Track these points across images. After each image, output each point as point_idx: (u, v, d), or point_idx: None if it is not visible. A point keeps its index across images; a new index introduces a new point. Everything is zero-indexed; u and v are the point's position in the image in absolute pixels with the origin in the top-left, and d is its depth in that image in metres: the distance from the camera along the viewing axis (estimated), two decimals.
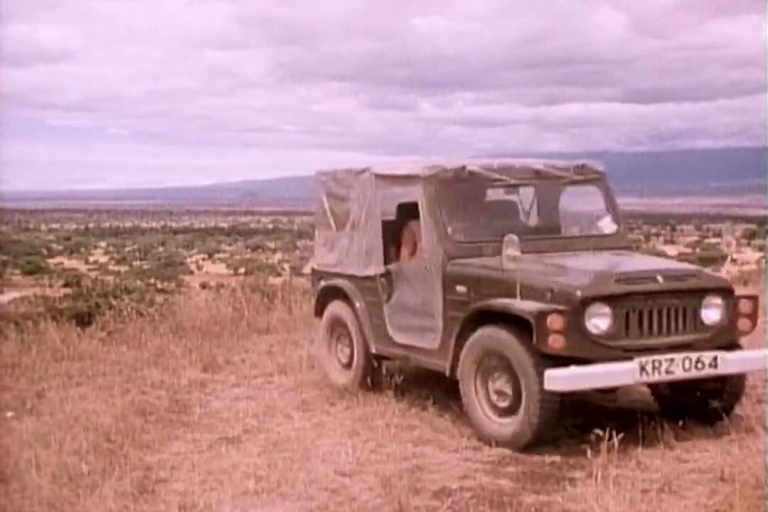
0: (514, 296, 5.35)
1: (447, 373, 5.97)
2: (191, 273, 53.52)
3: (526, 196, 6.83)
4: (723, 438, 5.46)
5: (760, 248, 51.36)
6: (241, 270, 50.30)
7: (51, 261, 60.10)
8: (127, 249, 75.43)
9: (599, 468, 4.76)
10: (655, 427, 5.53)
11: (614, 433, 4.95)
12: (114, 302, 10.15)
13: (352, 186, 7.03)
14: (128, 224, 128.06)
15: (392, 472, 5.08)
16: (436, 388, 6.66)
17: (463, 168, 6.24)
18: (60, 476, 5.00)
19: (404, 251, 6.82)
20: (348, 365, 7.15)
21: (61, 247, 75.74)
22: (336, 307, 7.20)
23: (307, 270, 8.07)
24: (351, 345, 7.06)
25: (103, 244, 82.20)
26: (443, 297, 5.98)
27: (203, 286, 24.76)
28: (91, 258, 66.81)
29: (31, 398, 7.03)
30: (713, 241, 68.92)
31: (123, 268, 53.54)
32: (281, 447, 5.71)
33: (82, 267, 54.53)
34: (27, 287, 26.55)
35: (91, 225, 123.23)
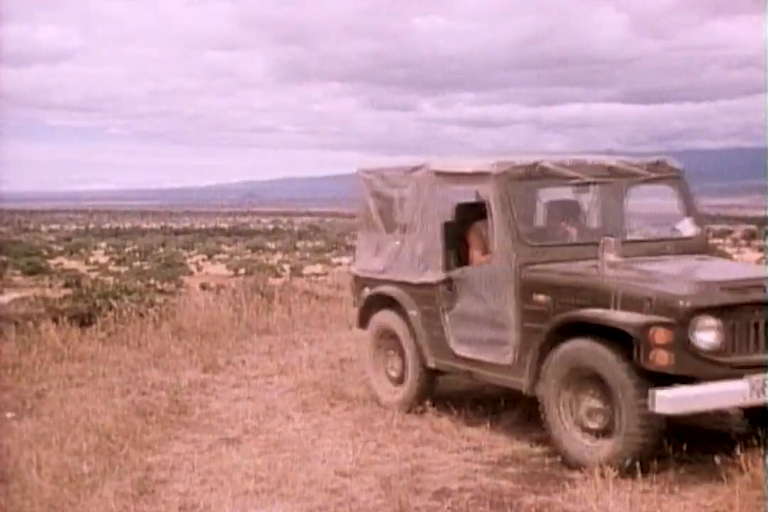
0: (605, 306, 4.90)
1: (524, 391, 5.43)
2: (191, 273, 53.46)
3: (591, 196, 6.33)
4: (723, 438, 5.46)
5: (760, 249, 51.40)
6: (241, 270, 50.27)
7: (51, 261, 60.05)
8: (127, 249, 75.38)
9: (599, 468, 4.76)
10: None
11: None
12: (114, 303, 10.15)
13: (404, 184, 6.49)
14: (128, 225, 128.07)
15: (392, 473, 5.09)
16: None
17: (536, 164, 5.74)
18: (60, 476, 5.00)
19: (470, 255, 6.21)
20: (399, 380, 6.61)
21: (61, 248, 75.70)
22: (384, 317, 6.66)
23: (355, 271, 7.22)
24: (403, 359, 6.52)
25: (103, 244, 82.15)
26: (518, 306, 5.44)
27: (203, 287, 24.74)
28: (91, 259, 66.76)
29: (32, 398, 7.03)
30: (714, 242, 68.96)
31: (123, 269, 53.50)
32: (281, 447, 5.72)
33: (82, 268, 54.49)
34: (27, 288, 26.54)
35: (91, 225, 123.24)
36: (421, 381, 6.40)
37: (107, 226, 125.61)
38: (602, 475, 4.67)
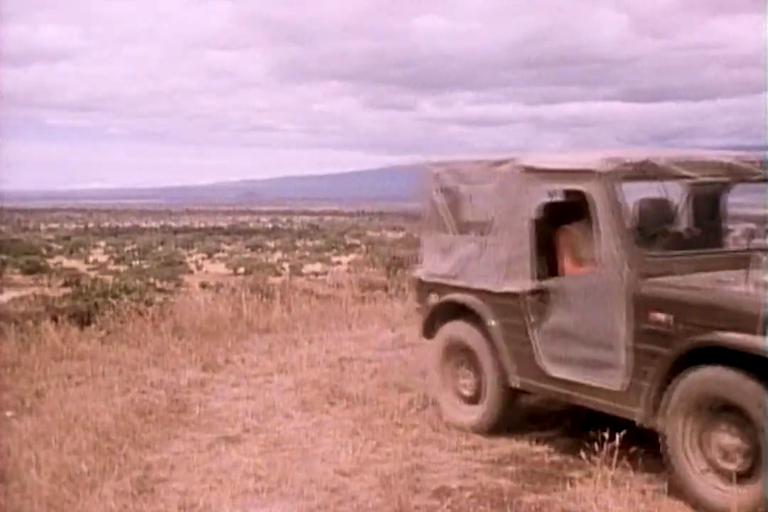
0: (748, 330, 4.22)
1: (639, 422, 4.77)
2: (191, 272, 53.49)
3: (685, 194, 5.70)
4: None
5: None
6: (241, 269, 50.31)
7: (50, 260, 60.04)
8: (126, 248, 75.40)
9: (598, 467, 4.77)
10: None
11: (614, 433, 4.95)
12: (113, 301, 10.15)
13: (484, 180, 5.85)
14: (128, 224, 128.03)
15: (392, 472, 5.09)
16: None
17: (648, 161, 5.05)
18: (60, 475, 5.00)
19: (560, 263, 5.57)
20: (472, 400, 5.98)
21: (60, 247, 75.72)
22: (456, 329, 6.05)
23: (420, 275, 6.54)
24: (478, 376, 5.91)
25: (102, 243, 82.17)
26: (631, 325, 4.76)
27: (203, 286, 24.74)
28: (91, 258, 66.77)
29: (31, 397, 7.02)
30: None
31: (122, 268, 53.52)
32: (281, 446, 5.71)
33: (82, 267, 54.48)
34: (26, 286, 26.54)
35: (90, 224, 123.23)
36: (501, 402, 5.77)
37: (106, 224, 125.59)
38: (602, 474, 4.68)
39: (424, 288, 6.47)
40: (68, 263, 59.72)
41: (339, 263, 46.77)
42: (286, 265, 54.56)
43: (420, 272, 6.52)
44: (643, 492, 4.62)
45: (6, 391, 7.27)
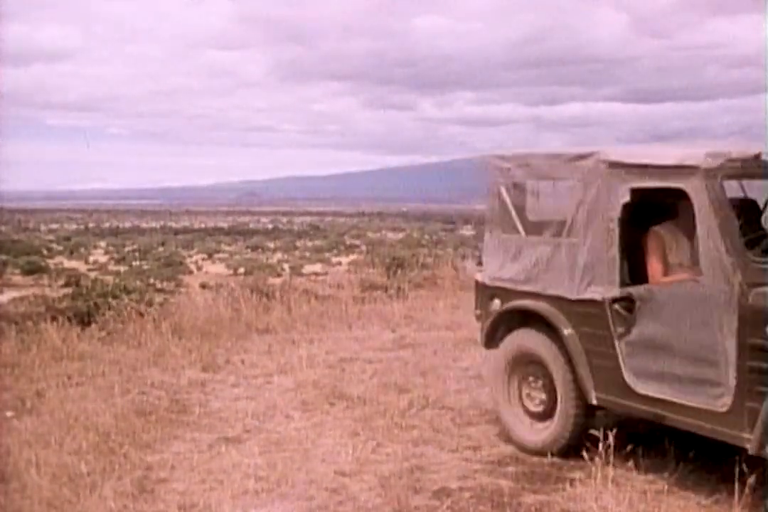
0: None
1: (750, 450, 4.25)
2: (191, 273, 53.48)
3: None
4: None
5: None
6: (241, 270, 50.29)
7: (51, 261, 60.03)
8: (126, 249, 75.38)
9: (599, 468, 4.77)
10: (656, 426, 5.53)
11: (614, 433, 4.95)
12: (113, 302, 10.14)
13: (562, 176, 5.41)
14: (128, 224, 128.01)
15: (392, 472, 5.09)
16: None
17: (758, 156, 4.51)
18: (60, 476, 5.00)
19: (649, 268, 5.05)
20: (542, 416, 5.49)
21: (60, 247, 75.70)
22: (525, 338, 5.56)
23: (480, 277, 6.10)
24: (550, 391, 5.39)
25: (102, 243, 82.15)
26: (741, 340, 4.26)
27: (203, 286, 24.73)
28: (91, 258, 66.76)
29: (31, 398, 7.02)
30: None
31: (123, 268, 53.49)
32: (281, 446, 5.72)
33: (82, 267, 54.47)
34: (27, 287, 26.55)
35: (90, 225, 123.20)
36: (576, 420, 5.22)
37: (107, 225, 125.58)
38: (602, 475, 4.68)
39: (486, 293, 5.97)
40: (68, 263, 59.72)
41: (339, 264, 46.76)
42: (286, 266, 54.54)
43: (482, 275, 6.04)
44: (644, 492, 4.62)
45: (6, 391, 7.27)
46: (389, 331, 9.87)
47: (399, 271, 13.99)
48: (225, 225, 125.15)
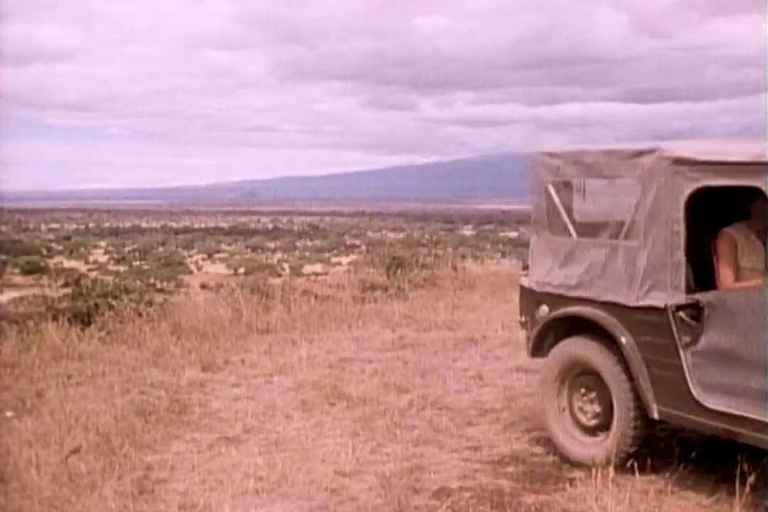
0: None
1: None
2: (191, 273, 53.48)
3: None
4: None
5: None
6: (241, 270, 50.29)
7: (51, 261, 60.03)
8: (126, 249, 75.37)
9: (599, 468, 4.77)
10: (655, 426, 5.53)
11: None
12: (113, 302, 10.14)
13: (619, 174, 5.03)
14: (128, 224, 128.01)
15: (392, 472, 5.09)
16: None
17: None
18: (60, 476, 5.00)
19: (718, 273, 4.76)
20: (596, 430, 5.15)
21: (60, 247, 75.70)
22: (577, 346, 5.20)
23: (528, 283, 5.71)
24: (605, 403, 5.05)
25: (102, 243, 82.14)
26: None
27: (203, 286, 24.73)
28: (91, 258, 66.77)
29: (31, 398, 7.02)
30: None
31: (122, 268, 53.50)
32: (281, 446, 5.71)
33: (82, 267, 54.44)
34: (26, 287, 26.51)
35: (90, 225, 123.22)
36: (635, 435, 4.89)
37: (107, 225, 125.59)
38: (602, 475, 4.68)
39: (533, 298, 5.60)
40: (68, 263, 59.72)
41: (339, 263, 46.76)
42: (286, 266, 54.55)
43: (528, 280, 5.67)
44: (644, 492, 4.62)
45: (6, 391, 7.27)
46: (389, 331, 9.87)
47: (399, 271, 13.98)
48: (225, 225, 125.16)
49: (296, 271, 43.58)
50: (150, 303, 10.46)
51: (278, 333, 10.04)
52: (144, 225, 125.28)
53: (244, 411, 6.63)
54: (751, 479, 4.32)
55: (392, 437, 5.81)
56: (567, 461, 5.23)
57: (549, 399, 5.41)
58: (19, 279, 43.95)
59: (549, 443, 5.56)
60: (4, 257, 51.39)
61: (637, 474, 4.74)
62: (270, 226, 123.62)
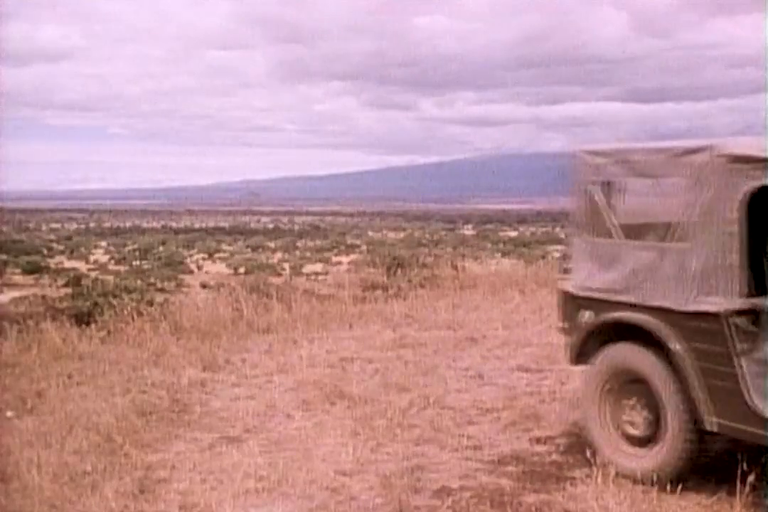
0: None
1: None
2: (191, 272, 53.54)
3: None
4: (724, 437, 5.46)
5: None
6: (242, 269, 50.33)
7: (51, 260, 60.11)
8: (127, 248, 75.45)
9: (599, 467, 4.77)
10: None
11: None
12: (114, 302, 10.15)
13: (668, 173, 4.78)
14: (128, 224, 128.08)
15: (392, 472, 5.09)
16: None
17: None
18: (61, 475, 5.01)
19: None
20: (643, 441, 4.88)
21: (61, 247, 75.77)
22: (623, 353, 4.96)
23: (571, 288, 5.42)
24: (654, 412, 4.80)
25: (103, 243, 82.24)
26: None
27: (203, 286, 24.75)
28: (92, 258, 66.85)
29: (32, 398, 7.02)
30: None
31: (123, 268, 53.56)
32: (282, 446, 5.71)
33: (83, 267, 54.51)
34: (27, 287, 26.58)
35: (91, 224, 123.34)
36: (687, 448, 4.63)
37: (107, 225, 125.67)
38: (603, 474, 4.68)
39: (574, 303, 5.35)
40: (69, 263, 59.78)
41: (339, 263, 46.79)
42: (286, 265, 54.60)
43: (569, 284, 5.42)
44: (645, 492, 4.62)
45: (7, 391, 7.27)
46: (390, 331, 9.86)
47: (399, 271, 13.99)
48: (225, 224, 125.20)
49: (297, 271, 43.64)
50: (150, 303, 10.46)
51: (279, 333, 10.03)
52: (144, 225, 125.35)
53: (244, 410, 6.63)
54: (751, 479, 4.32)
55: (393, 436, 5.81)
56: (572, 462, 5.17)
57: (592, 409, 5.14)
58: (19, 278, 44.02)
59: (550, 442, 5.57)
60: (4, 257, 51.44)
61: (637, 474, 4.74)
62: (270, 225, 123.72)
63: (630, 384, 4.95)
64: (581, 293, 5.28)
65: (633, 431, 4.94)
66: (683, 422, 4.62)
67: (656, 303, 4.74)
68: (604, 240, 5.14)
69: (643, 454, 4.85)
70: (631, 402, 4.95)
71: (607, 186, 5.14)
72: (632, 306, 4.89)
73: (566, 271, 5.55)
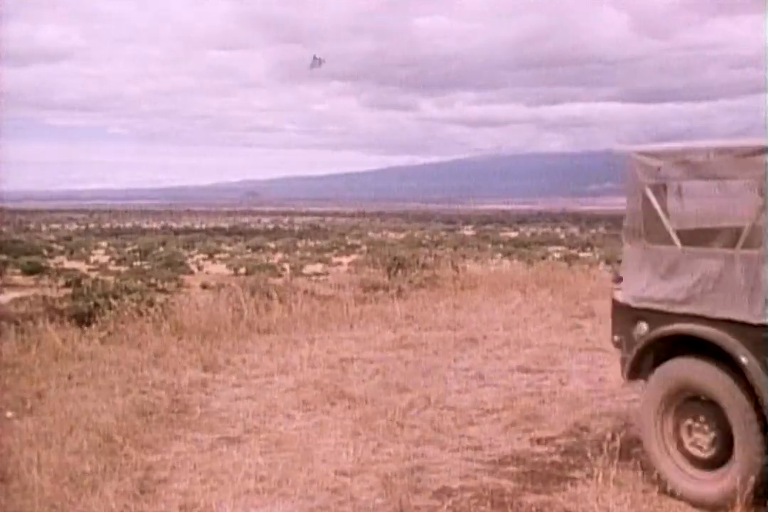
0: None
1: None
2: (192, 273, 53.52)
3: None
4: None
5: None
6: (242, 270, 50.33)
7: (51, 261, 60.10)
8: (127, 249, 75.42)
9: (600, 468, 4.76)
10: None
11: (615, 433, 4.95)
12: (114, 302, 10.15)
13: (733, 174, 4.49)
14: (129, 224, 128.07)
15: (393, 472, 5.09)
16: None
17: None
18: (61, 476, 5.00)
19: None
20: (710, 464, 4.53)
21: (61, 247, 75.77)
22: (687, 368, 4.61)
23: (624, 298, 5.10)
24: (722, 433, 4.45)
25: (103, 244, 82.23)
26: None
27: (204, 286, 24.75)
28: (92, 259, 66.85)
29: (32, 398, 7.02)
30: None
31: (123, 268, 53.53)
32: (282, 446, 5.71)
33: (83, 268, 54.51)
34: (27, 287, 26.57)
35: (91, 225, 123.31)
36: (763, 469, 4.30)
37: (107, 225, 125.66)
38: (603, 475, 4.68)
39: (629, 315, 5.01)
40: (69, 264, 59.77)
41: (340, 264, 46.79)
42: (286, 266, 54.58)
43: (623, 295, 5.08)
44: (645, 492, 4.62)
45: (6, 391, 7.27)
46: (390, 331, 9.86)
47: (399, 271, 13.98)
48: (226, 225, 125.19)
49: (297, 271, 43.61)
50: (151, 304, 10.45)
51: (279, 333, 10.03)
52: (145, 225, 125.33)
53: (245, 411, 6.62)
54: (751, 479, 4.31)
55: (393, 437, 5.80)
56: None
57: (652, 428, 4.79)
58: (19, 279, 44.01)
59: (550, 443, 5.56)
60: (4, 257, 51.42)
61: (638, 474, 4.74)
62: (271, 226, 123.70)
63: (693, 402, 4.61)
64: (637, 304, 4.95)
65: (698, 453, 4.58)
66: (756, 442, 4.27)
67: (724, 315, 4.42)
68: (661, 247, 4.82)
69: (710, 478, 4.49)
70: (696, 421, 4.60)
71: (665, 189, 4.87)
72: (694, 318, 4.57)
73: (619, 280, 5.20)
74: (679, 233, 4.75)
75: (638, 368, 4.92)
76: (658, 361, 4.79)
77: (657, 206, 4.83)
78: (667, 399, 4.71)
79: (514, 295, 11.81)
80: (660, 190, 4.87)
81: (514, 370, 7.74)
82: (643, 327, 4.89)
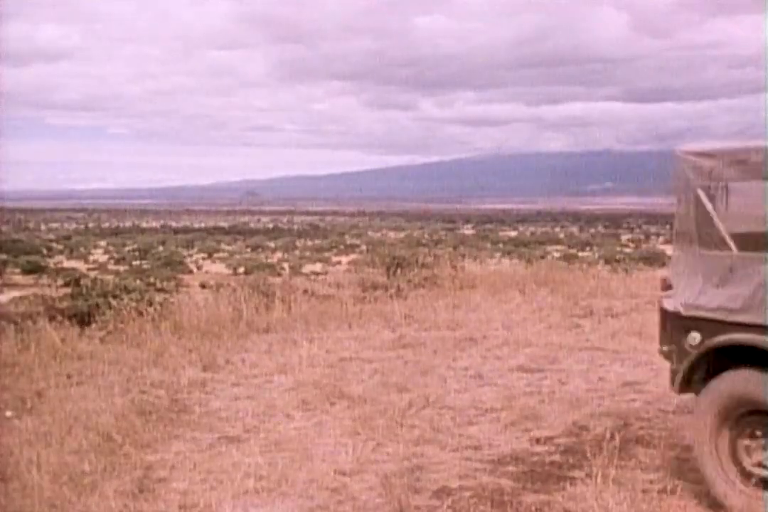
0: None
1: None
2: (191, 272, 53.54)
3: None
4: None
5: None
6: (241, 269, 50.34)
7: (51, 260, 60.13)
8: (126, 248, 75.46)
9: (599, 467, 4.77)
10: (655, 427, 5.53)
11: (615, 433, 4.95)
12: (113, 302, 10.15)
13: None
14: (128, 224, 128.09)
15: (392, 472, 5.09)
16: None
17: None
18: (60, 475, 5.00)
19: None
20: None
21: (60, 247, 75.82)
22: (744, 381, 4.33)
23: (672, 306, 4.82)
24: None
25: (102, 243, 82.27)
26: None
27: (203, 286, 24.74)
28: (91, 258, 66.89)
29: (31, 397, 7.02)
30: None
31: (123, 268, 53.55)
32: (281, 446, 5.71)
33: (82, 267, 54.53)
34: (27, 286, 26.57)
35: (90, 224, 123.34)
36: None
37: (107, 224, 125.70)
38: (603, 474, 4.68)
39: (680, 324, 4.72)
40: (68, 263, 59.79)
41: (339, 263, 46.78)
42: (286, 265, 54.61)
43: (673, 303, 4.78)
44: (645, 491, 4.62)
45: (6, 391, 7.27)
46: (389, 331, 9.86)
47: (399, 271, 13.98)
48: (225, 224, 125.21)
49: (296, 271, 43.62)
50: (150, 303, 10.45)
51: (278, 333, 10.03)
52: (144, 224, 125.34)
53: (244, 410, 6.62)
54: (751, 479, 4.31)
55: (392, 436, 5.80)
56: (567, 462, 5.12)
57: (706, 444, 4.50)
58: (19, 278, 44.01)
59: (549, 443, 5.56)
60: (4, 257, 51.43)
61: (638, 473, 4.74)
62: (270, 225, 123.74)
63: (752, 417, 4.34)
64: (688, 312, 4.66)
65: (758, 471, 4.29)
66: None
67: None
68: (715, 252, 4.55)
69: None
70: (754, 437, 4.34)
71: (718, 191, 4.59)
72: (751, 328, 4.28)
73: (668, 287, 4.90)
74: (734, 237, 4.50)
75: (691, 380, 4.65)
76: (712, 373, 4.54)
77: (710, 209, 4.57)
78: (723, 414, 4.44)
79: (514, 295, 11.82)
80: (714, 191, 4.59)
81: (514, 370, 7.74)
82: (695, 337, 4.60)
